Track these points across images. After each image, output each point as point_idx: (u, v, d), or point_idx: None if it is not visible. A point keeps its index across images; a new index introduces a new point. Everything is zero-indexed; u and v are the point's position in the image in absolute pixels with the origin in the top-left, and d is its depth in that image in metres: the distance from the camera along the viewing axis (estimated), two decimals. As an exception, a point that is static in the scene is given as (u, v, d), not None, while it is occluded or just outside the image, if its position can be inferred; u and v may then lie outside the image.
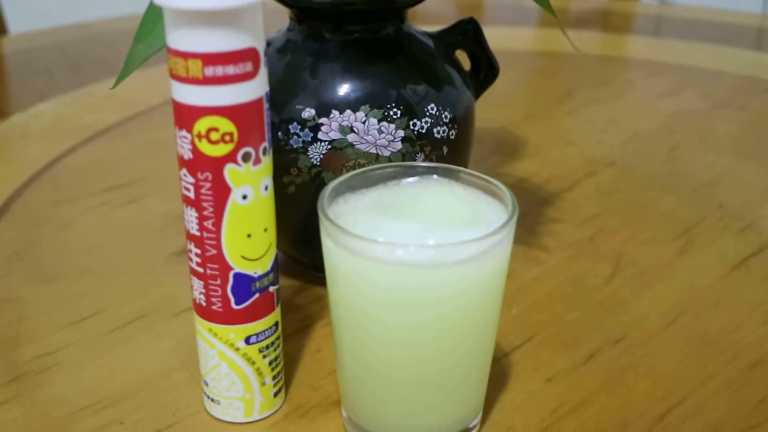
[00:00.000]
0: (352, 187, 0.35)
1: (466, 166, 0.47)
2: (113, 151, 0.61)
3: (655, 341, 0.41)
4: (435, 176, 0.35)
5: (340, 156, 0.41)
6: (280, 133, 0.41)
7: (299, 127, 0.40)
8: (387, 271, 0.31)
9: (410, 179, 0.35)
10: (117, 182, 0.55)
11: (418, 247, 0.30)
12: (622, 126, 0.65)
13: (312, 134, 0.40)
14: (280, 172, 0.42)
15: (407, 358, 0.32)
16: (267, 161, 0.33)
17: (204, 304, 0.35)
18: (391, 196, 0.35)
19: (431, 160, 0.42)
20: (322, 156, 0.41)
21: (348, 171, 0.41)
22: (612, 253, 0.49)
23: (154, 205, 0.53)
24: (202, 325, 0.36)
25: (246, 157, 0.32)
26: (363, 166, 0.41)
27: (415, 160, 0.42)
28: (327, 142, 0.41)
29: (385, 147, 0.41)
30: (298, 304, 0.46)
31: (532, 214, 0.53)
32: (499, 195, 0.35)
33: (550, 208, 0.54)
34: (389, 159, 0.41)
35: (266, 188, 0.34)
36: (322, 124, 0.40)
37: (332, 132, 0.40)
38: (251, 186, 0.33)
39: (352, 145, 0.41)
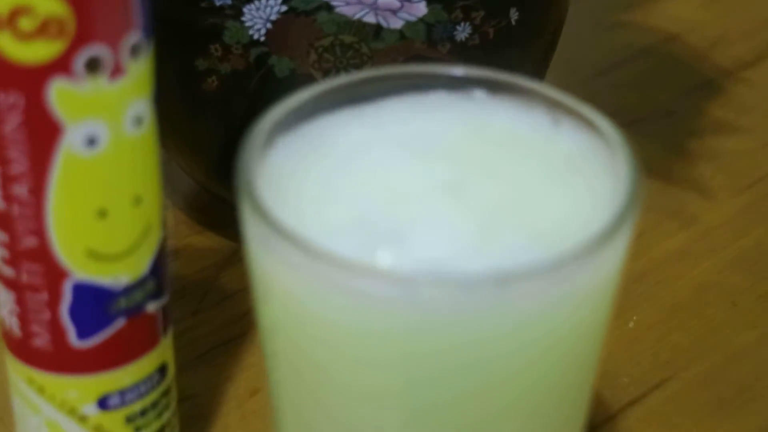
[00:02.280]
0: (312, 115, 0.31)
1: (549, 61, 0.45)
2: None
3: None
4: (486, 94, 0.31)
5: (305, 27, 0.40)
6: (189, -20, 0.40)
7: (226, -32, 0.39)
8: (389, 321, 0.27)
9: (435, 98, 0.31)
10: None
11: (457, 284, 0.26)
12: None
13: None
14: (190, 54, 0.41)
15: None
16: (140, 69, 0.31)
17: (18, 334, 0.34)
18: (393, 140, 0.30)
19: (484, 40, 0.41)
20: (268, 26, 0.40)
21: (318, 60, 0.40)
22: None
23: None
24: (18, 372, 0.35)
25: (92, 65, 0.30)
26: (348, 47, 0.40)
27: (452, 38, 0.40)
28: (279, 0, 0.39)
29: (395, 11, 0.39)
30: (224, 289, 0.45)
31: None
32: (611, 148, 0.30)
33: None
34: (401, 35, 0.40)
35: (138, 121, 0.32)
36: (271, -35, 0.39)
37: (291, -20, 0.39)
38: (104, 119, 0.31)
39: (328, 5, 0.39)
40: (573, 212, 0.31)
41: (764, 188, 0.54)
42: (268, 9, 0.40)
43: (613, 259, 0.30)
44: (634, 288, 0.46)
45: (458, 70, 0.34)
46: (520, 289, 0.28)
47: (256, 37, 0.40)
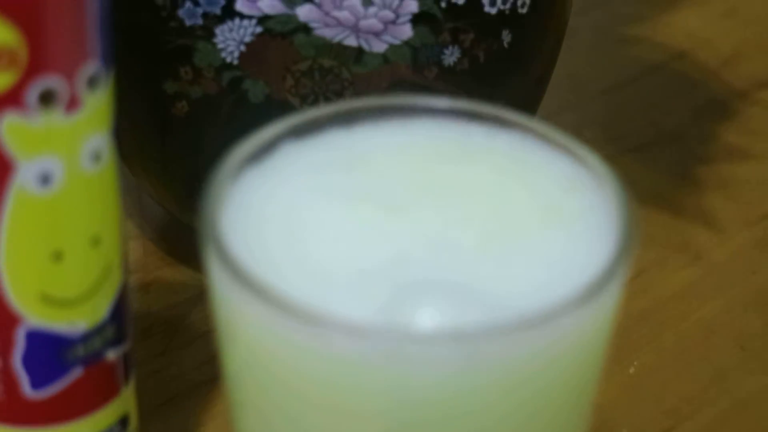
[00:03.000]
0: (282, 148, 0.31)
1: (547, 83, 0.45)
2: None
3: None
4: (478, 125, 0.32)
5: (282, 50, 0.40)
6: (158, -3, 0.40)
7: (197, -15, 0.39)
8: (363, 375, 0.27)
9: (419, 125, 0.31)
10: None
11: (444, 338, 0.26)
12: None
13: (225, 2, 0.40)
14: (159, 76, 0.41)
15: None
16: (98, 101, 0.31)
17: None
18: (371, 174, 0.31)
19: (474, 64, 0.41)
20: (242, 48, 0.40)
21: (295, 85, 0.40)
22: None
23: None
24: None
25: (46, 98, 0.30)
26: (328, 71, 0.40)
27: (439, 62, 0.40)
28: (254, 21, 0.40)
29: (378, 34, 0.40)
30: (195, 328, 0.46)
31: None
32: (604, 187, 0.30)
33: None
34: (384, 59, 0.40)
35: (96, 157, 0.32)
36: (245, -18, 0.39)
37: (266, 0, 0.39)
38: (59, 155, 0.31)
39: (306, 27, 0.39)
40: (564, 257, 0.31)
41: (777, 220, 0.54)
42: (242, 30, 0.40)
43: (604, 308, 0.30)
44: (636, 329, 0.47)
45: (442, 102, 0.34)
46: (505, 343, 0.28)
47: (229, 59, 0.40)
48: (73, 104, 0.30)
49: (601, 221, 0.32)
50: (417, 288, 0.30)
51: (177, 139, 0.43)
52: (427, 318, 0.30)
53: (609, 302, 0.30)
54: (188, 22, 0.40)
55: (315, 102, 0.40)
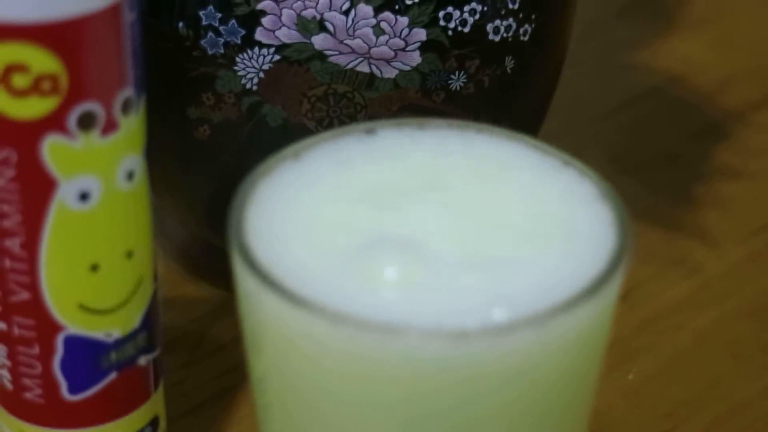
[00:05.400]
0: (300, 163, 0.31)
1: (548, 106, 0.45)
2: None
3: None
4: (482, 137, 0.32)
5: (298, 76, 0.39)
6: (182, 26, 0.40)
7: (220, 16, 0.39)
8: (382, 369, 0.27)
9: (430, 145, 0.32)
10: None
11: (446, 335, 0.27)
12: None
13: (245, 31, 0.39)
14: (182, 102, 0.41)
15: None
16: (132, 124, 0.31)
17: (10, 387, 0.34)
18: (385, 181, 0.31)
19: (479, 89, 0.41)
20: (261, 75, 0.39)
21: (311, 110, 0.40)
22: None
23: None
24: (8, 425, 0.35)
25: (85, 121, 0.30)
26: (342, 96, 0.40)
27: (447, 87, 0.40)
28: (272, 49, 0.39)
29: (389, 61, 0.39)
30: (216, 340, 0.45)
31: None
32: (601, 201, 0.31)
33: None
34: (395, 84, 0.39)
35: (130, 176, 0.32)
36: (264, 13, 0.39)
37: (284, 28, 0.39)
38: (97, 175, 0.31)
39: (321, 55, 0.39)
40: (562, 263, 0.31)
41: (770, 235, 0.54)
42: (261, 58, 0.39)
43: (599, 312, 0.30)
44: (634, 339, 0.46)
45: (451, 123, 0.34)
46: (506, 341, 0.29)
47: (248, 86, 0.39)
48: (109, 127, 0.31)
49: (597, 231, 0.32)
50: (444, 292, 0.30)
51: (199, 162, 0.42)
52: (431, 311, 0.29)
53: (604, 305, 0.30)
54: (210, 51, 0.39)
55: (330, 125, 0.39)
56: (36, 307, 0.32)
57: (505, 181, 0.33)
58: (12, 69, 0.29)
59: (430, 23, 0.39)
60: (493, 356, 0.29)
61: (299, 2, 0.39)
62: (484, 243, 0.31)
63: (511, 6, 0.41)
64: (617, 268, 0.30)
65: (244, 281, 0.30)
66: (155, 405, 0.36)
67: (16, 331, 0.32)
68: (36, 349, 0.33)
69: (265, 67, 0.39)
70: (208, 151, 0.41)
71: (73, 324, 0.33)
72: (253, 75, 0.39)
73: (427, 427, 0.30)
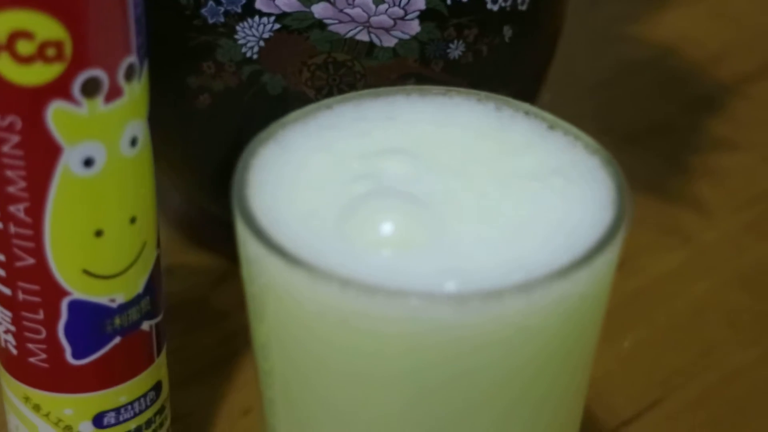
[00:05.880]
0: (301, 132, 0.31)
1: (545, 76, 0.45)
2: None
3: None
4: (476, 101, 0.32)
5: (298, 45, 0.39)
6: (183, -3, 0.39)
7: (220, -15, 0.39)
8: (386, 338, 0.27)
9: (423, 110, 0.32)
10: None
11: (448, 299, 0.26)
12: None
13: (245, 0, 0.39)
14: (183, 71, 0.41)
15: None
16: (135, 90, 0.31)
17: (15, 352, 0.34)
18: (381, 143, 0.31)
19: (477, 58, 0.41)
20: (261, 44, 0.39)
21: (311, 78, 0.40)
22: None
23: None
24: (12, 390, 0.34)
25: (90, 88, 0.30)
26: (341, 64, 0.40)
27: (445, 56, 0.40)
28: (272, 18, 0.39)
29: (388, 30, 0.39)
30: (216, 308, 0.45)
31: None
32: (598, 168, 0.31)
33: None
34: (394, 53, 0.39)
35: (133, 142, 0.32)
36: (264, -18, 0.38)
37: (284, -1, 0.39)
38: (102, 141, 0.31)
39: (321, 24, 0.39)
40: (563, 225, 0.31)
41: (763, 205, 0.54)
42: (261, 27, 0.39)
43: (602, 272, 0.30)
44: (630, 307, 0.47)
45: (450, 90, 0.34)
46: (505, 304, 0.28)
47: (249, 54, 0.39)
48: (113, 94, 0.30)
49: (595, 191, 0.32)
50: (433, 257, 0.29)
51: (199, 130, 0.42)
52: (437, 276, 0.29)
53: (603, 271, 0.30)
54: (211, 20, 0.39)
55: (329, 93, 0.39)
56: (41, 273, 0.32)
57: (506, 148, 0.33)
58: (17, 35, 0.29)
59: (430, -10, 0.39)
60: (492, 322, 0.29)
61: (299, -29, 0.38)
62: (486, 204, 0.31)
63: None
64: (616, 235, 0.30)
65: (248, 247, 0.30)
66: (158, 370, 0.35)
67: (21, 296, 0.32)
68: (41, 315, 0.32)
69: (266, 35, 0.39)
70: (208, 119, 0.41)
71: (78, 289, 0.32)
72: (253, 44, 0.39)
73: (431, 404, 0.31)
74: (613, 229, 0.30)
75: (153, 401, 0.35)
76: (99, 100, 0.30)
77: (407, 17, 0.39)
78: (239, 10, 0.39)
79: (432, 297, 0.28)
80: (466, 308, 0.28)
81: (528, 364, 0.30)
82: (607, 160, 0.33)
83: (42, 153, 0.30)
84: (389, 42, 0.39)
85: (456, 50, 0.40)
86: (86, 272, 0.32)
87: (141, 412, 0.35)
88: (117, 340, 0.34)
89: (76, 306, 0.33)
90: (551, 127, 0.33)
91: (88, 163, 0.31)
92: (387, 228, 0.30)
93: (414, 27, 0.39)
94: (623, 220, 0.30)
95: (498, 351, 0.30)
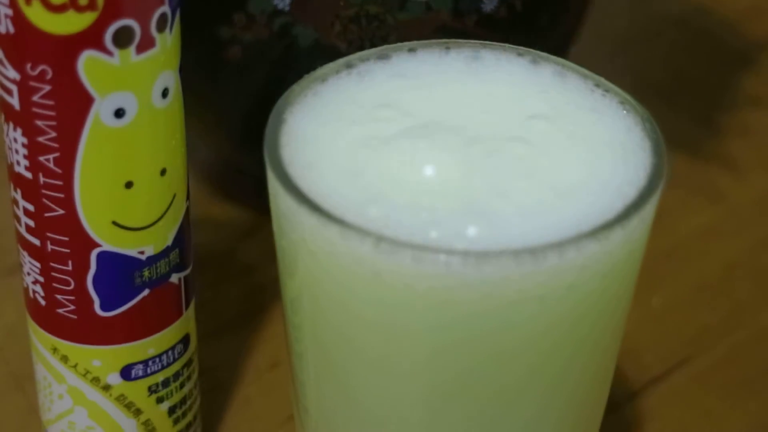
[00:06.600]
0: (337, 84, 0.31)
1: (577, 33, 0.45)
2: None
3: None
4: (516, 56, 0.32)
5: None
6: (214, -55, 0.39)
7: (251, -66, 0.39)
8: (415, 292, 0.27)
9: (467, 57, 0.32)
10: None
11: (477, 255, 0.26)
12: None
13: None
14: (214, 23, 0.41)
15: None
16: (167, 41, 0.31)
17: (43, 303, 0.34)
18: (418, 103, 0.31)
19: (511, 12, 0.41)
20: None
21: (342, 31, 0.40)
22: None
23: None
24: (41, 340, 0.35)
25: (122, 38, 0.30)
26: (374, 18, 0.40)
27: (479, 9, 0.40)
28: None
29: None
30: (244, 262, 0.45)
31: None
32: (637, 126, 0.31)
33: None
34: (427, 6, 0.40)
35: (165, 93, 0.32)
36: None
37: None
38: (133, 92, 0.31)
39: None
40: (600, 183, 0.31)
41: (795, 165, 0.53)
42: None
43: (636, 233, 0.30)
44: (660, 265, 0.46)
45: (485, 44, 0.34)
46: (540, 262, 0.29)
47: (280, 6, 0.39)
48: (145, 44, 0.30)
49: (628, 146, 0.32)
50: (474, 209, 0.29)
51: (229, 82, 0.42)
52: (467, 234, 0.29)
53: (643, 223, 0.30)
54: None
55: (361, 47, 0.39)
56: (70, 224, 0.32)
57: (541, 100, 0.33)
58: (49, -17, 0.28)
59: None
60: (524, 280, 0.29)
61: None
62: (522, 162, 0.31)
63: None
64: (653, 194, 0.30)
65: (279, 201, 0.30)
66: (186, 323, 0.36)
67: (50, 247, 0.32)
68: (69, 266, 0.33)
69: (297, -13, 0.39)
70: (238, 71, 0.42)
71: (107, 241, 0.32)
72: (284, -5, 0.39)
73: (457, 357, 0.30)
74: (649, 189, 0.30)
75: (181, 354, 0.36)
76: (131, 51, 0.30)
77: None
78: (271, -39, 0.38)
79: (463, 254, 0.28)
80: (498, 266, 0.28)
81: (559, 323, 0.30)
82: (645, 118, 0.33)
83: (73, 103, 0.30)
84: (424, -9, 0.39)
85: (490, 4, 0.40)
86: (116, 224, 0.32)
87: (169, 364, 0.35)
88: (146, 292, 0.34)
89: (105, 258, 0.33)
90: (596, 85, 0.34)
91: (119, 114, 0.31)
92: (425, 181, 0.30)
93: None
94: (660, 179, 0.30)
95: (530, 309, 0.30)
